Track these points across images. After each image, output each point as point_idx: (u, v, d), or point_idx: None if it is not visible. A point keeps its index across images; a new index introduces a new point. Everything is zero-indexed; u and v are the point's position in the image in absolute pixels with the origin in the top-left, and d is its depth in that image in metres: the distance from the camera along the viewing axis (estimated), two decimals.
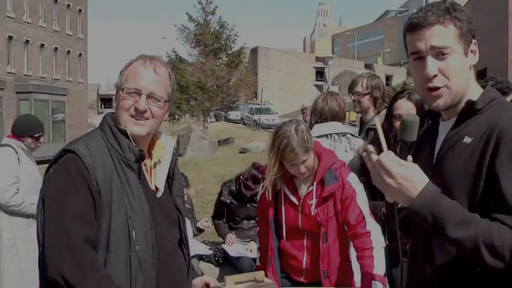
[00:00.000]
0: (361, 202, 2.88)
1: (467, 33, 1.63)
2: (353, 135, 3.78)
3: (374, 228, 2.85)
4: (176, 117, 32.13)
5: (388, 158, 1.52)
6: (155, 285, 1.92)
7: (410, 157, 1.72)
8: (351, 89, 4.11)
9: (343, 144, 3.69)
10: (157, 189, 2.06)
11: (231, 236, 5.36)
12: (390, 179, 1.51)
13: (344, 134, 3.74)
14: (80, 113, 37.64)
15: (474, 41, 1.66)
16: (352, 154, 3.62)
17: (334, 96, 3.89)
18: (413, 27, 1.64)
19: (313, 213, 2.90)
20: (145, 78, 1.97)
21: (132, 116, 1.96)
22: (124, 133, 1.95)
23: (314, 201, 2.91)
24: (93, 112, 53.16)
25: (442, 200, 1.49)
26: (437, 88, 1.62)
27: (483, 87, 1.72)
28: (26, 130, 4.61)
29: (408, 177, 1.50)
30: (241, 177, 5.22)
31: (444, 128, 1.72)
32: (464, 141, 1.60)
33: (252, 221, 5.41)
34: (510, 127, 1.52)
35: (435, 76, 1.61)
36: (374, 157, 1.56)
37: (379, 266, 2.76)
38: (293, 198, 2.98)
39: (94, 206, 1.83)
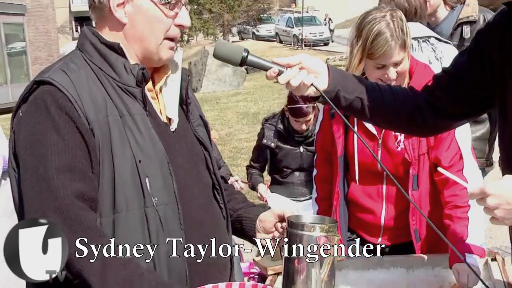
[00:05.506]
0: (461, 137, 2.85)
1: None
2: (438, 39, 3.69)
3: (474, 176, 2.82)
4: (185, 37, 31.78)
5: (474, 189, 1.91)
6: (184, 248, 1.96)
7: None
8: None
9: (425, 52, 3.60)
10: (170, 120, 2.09)
11: (263, 188, 5.31)
12: (491, 200, 1.85)
13: (426, 39, 3.66)
14: (47, 40, 37.16)
15: None
16: (438, 65, 3.47)
17: None
18: None
19: (399, 149, 2.91)
20: None
21: (168, 38, 2.01)
22: (116, 48, 1.96)
23: None
24: (65, 38, 53.02)
25: None
26: None
27: None
28: None
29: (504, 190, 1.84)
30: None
31: None
32: None
33: (307, 174, 5.22)
34: None
35: None
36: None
37: (476, 232, 2.71)
38: (370, 127, 2.95)
39: (87, 151, 1.85)
